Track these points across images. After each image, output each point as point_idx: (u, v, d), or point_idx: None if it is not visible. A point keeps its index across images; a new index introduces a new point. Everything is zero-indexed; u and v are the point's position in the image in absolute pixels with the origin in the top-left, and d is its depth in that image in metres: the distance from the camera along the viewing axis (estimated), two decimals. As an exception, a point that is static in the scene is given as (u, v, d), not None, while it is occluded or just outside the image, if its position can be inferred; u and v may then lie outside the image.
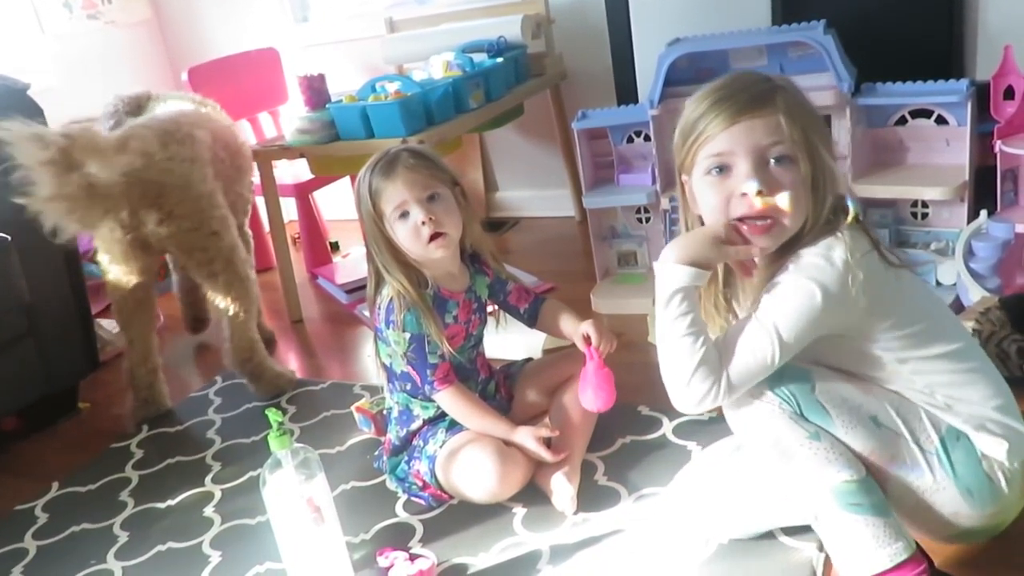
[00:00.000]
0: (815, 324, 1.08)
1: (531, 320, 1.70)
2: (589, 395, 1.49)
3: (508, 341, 2.00)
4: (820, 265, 1.07)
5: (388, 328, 1.53)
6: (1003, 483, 1.10)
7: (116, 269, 2.01)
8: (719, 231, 1.12)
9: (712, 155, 1.09)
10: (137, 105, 2.32)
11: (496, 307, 1.72)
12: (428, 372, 1.53)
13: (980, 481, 1.10)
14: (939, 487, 1.10)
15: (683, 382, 1.11)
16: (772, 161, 1.07)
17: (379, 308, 1.56)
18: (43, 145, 1.70)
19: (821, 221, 1.10)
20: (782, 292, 1.09)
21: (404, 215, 1.48)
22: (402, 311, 1.50)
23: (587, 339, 1.54)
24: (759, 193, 1.06)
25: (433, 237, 1.48)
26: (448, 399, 1.55)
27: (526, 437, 1.52)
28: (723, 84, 1.11)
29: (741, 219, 1.10)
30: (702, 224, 1.17)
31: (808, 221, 1.10)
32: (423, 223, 1.47)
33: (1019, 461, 1.11)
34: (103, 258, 2.02)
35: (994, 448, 1.11)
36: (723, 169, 1.09)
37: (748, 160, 1.07)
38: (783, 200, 1.07)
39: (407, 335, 1.52)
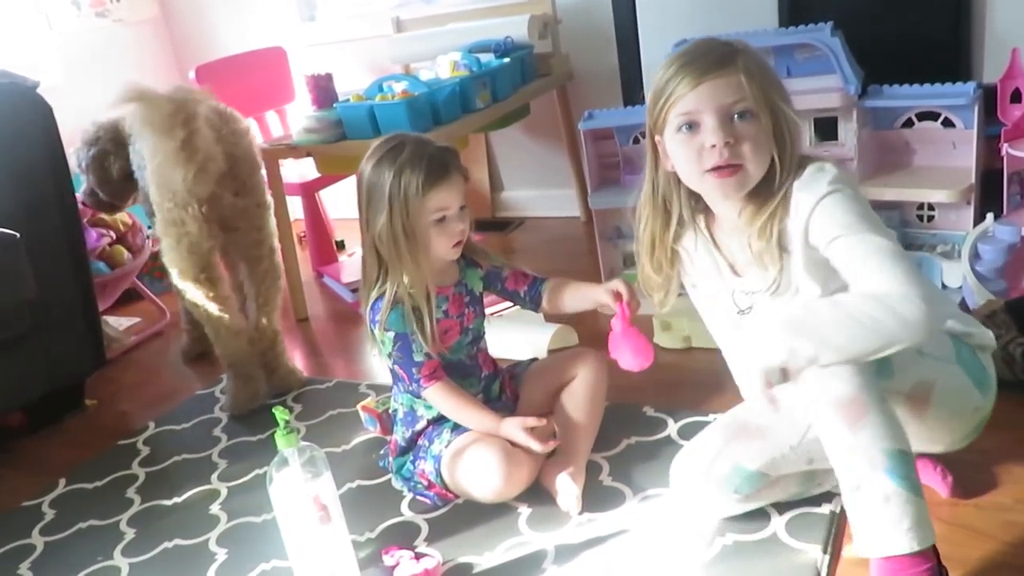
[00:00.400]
0: (872, 213, 1.14)
1: (534, 303, 1.66)
2: (627, 355, 1.43)
3: (513, 340, 2.01)
4: (822, 178, 1.16)
5: (375, 328, 1.54)
6: (988, 367, 1.27)
7: (194, 254, 1.94)
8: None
9: (681, 114, 1.18)
10: (116, 130, 2.23)
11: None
12: (414, 370, 1.53)
13: (981, 372, 1.25)
14: (961, 390, 1.23)
15: (889, 328, 1.05)
16: (736, 116, 1.17)
17: (368, 308, 1.56)
18: (169, 127, 1.72)
19: (794, 164, 1.19)
20: (828, 215, 1.13)
21: (443, 219, 1.50)
22: (387, 310, 1.51)
23: (618, 296, 1.49)
24: (726, 144, 1.16)
25: (457, 242, 1.53)
26: (436, 395, 1.54)
27: (513, 428, 1.50)
28: (688, 50, 1.21)
29: (712, 169, 1.18)
30: (676, 179, 1.26)
31: (780, 167, 1.19)
32: (460, 231, 1.51)
33: (991, 345, 1.28)
34: (174, 248, 1.94)
35: (979, 339, 1.26)
36: (692, 126, 1.18)
37: (714, 117, 1.16)
38: (747, 149, 1.17)
39: (391, 334, 1.52)
